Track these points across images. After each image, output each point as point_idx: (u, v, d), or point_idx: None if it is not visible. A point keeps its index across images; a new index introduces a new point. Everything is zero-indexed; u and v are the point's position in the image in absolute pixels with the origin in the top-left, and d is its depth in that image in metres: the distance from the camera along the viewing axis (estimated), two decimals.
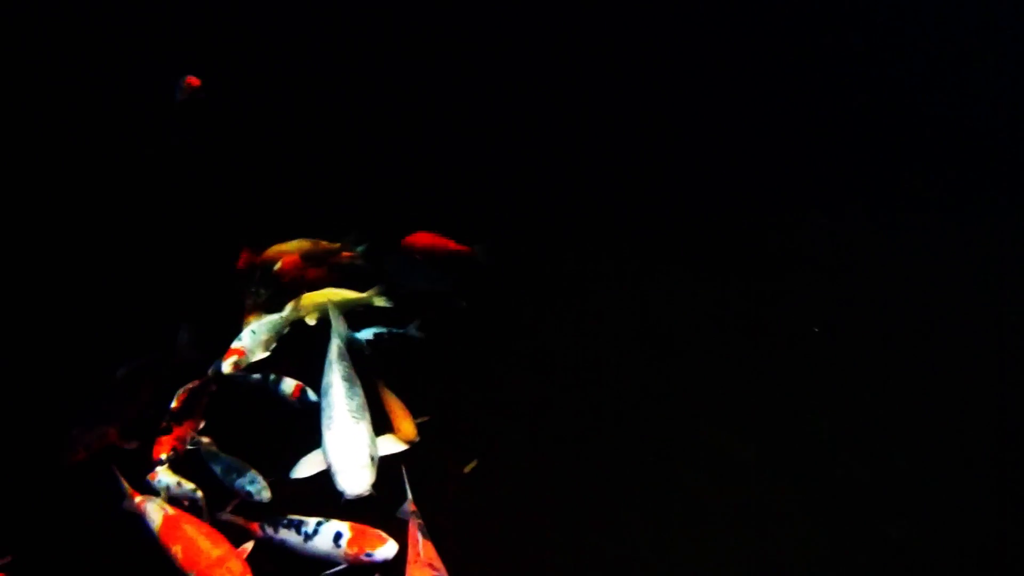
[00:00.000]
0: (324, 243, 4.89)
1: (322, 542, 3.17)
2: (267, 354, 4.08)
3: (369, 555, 3.11)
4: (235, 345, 3.95)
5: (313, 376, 4.05)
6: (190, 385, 4.06)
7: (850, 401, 4.09)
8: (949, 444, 3.83)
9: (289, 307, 4.34)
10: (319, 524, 3.23)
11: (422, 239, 4.89)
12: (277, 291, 4.58)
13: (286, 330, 4.27)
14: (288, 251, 4.78)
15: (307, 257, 4.79)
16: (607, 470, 3.70)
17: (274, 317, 4.25)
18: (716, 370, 4.22)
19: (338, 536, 3.16)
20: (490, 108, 6.01)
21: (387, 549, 3.13)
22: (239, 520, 3.39)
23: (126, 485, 3.49)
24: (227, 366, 3.85)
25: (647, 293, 4.83)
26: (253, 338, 4.04)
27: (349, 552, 3.12)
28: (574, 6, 6.04)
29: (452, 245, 4.88)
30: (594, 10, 6.05)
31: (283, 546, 3.27)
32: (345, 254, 4.88)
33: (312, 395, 4.00)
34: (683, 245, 5.28)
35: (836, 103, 6.52)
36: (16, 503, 3.57)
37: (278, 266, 4.71)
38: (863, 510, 3.50)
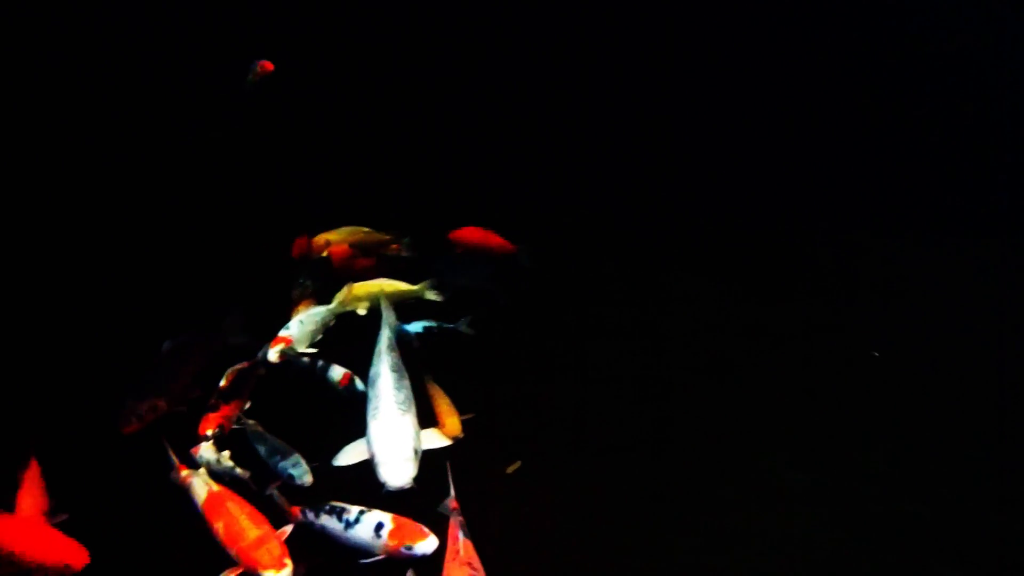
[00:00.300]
0: (374, 233, 4.93)
1: (363, 531, 3.17)
2: (313, 346, 4.12)
3: (409, 548, 3.09)
4: (283, 333, 3.99)
5: (361, 366, 4.09)
6: (239, 366, 4.10)
7: (909, 431, 3.95)
8: (1013, 482, 3.66)
9: (337, 300, 4.36)
10: (361, 513, 3.23)
11: (469, 234, 4.92)
12: (325, 281, 4.62)
13: (332, 323, 4.30)
14: (337, 240, 4.81)
15: (357, 246, 4.84)
16: (651, 484, 3.62)
17: (321, 309, 4.28)
18: (771, 393, 4.11)
19: (379, 527, 3.15)
20: (551, 111, 5.98)
21: (428, 544, 3.11)
22: (281, 500, 3.41)
23: (174, 458, 3.55)
24: (273, 354, 3.90)
25: (703, 312, 4.76)
26: (301, 328, 4.07)
27: (389, 544, 3.11)
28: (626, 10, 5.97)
29: (498, 242, 4.89)
30: (649, 17, 5.97)
31: (322, 532, 3.28)
32: (393, 246, 4.91)
33: (360, 384, 4.02)
34: (741, 267, 5.19)
35: (894, 124, 6.33)
36: (75, 470, 3.65)
37: (325, 253, 4.76)
38: (919, 549, 3.36)
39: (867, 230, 5.49)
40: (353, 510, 3.24)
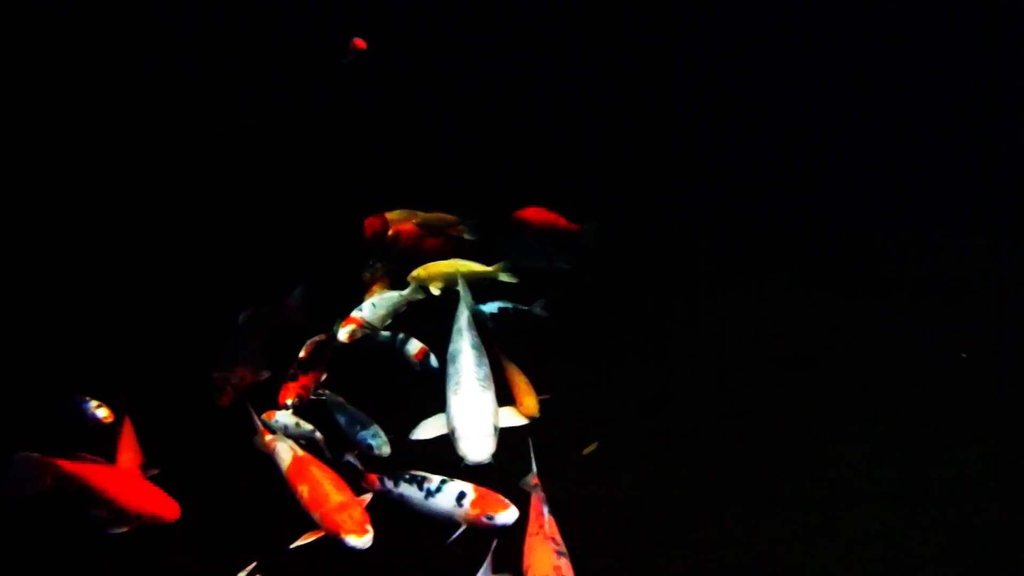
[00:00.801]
0: (442, 214, 4.99)
1: (444, 500, 3.23)
2: (383, 330, 4.20)
3: (490, 518, 3.15)
4: (355, 315, 4.08)
5: (435, 344, 4.17)
6: (318, 337, 4.23)
7: (997, 434, 3.82)
8: None
9: (410, 287, 4.43)
10: (443, 482, 3.29)
11: (533, 213, 4.95)
12: (396, 264, 4.70)
13: (403, 308, 4.36)
14: (398, 220, 4.87)
15: (424, 226, 4.90)
16: (729, 474, 3.58)
17: (394, 294, 4.36)
18: (854, 390, 4.01)
19: (461, 496, 3.22)
20: (641, 101, 5.95)
21: (509, 514, 3.16)
22: (359, 467, 3.51)
23: (259, 424, 3.68)
24: (344, 334, 3.99)
25: (786, 306, 4.67)
26: (373, 311, 4.17)
27: (471, 513, 3.17)
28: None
29: (562, 222, 4.91)
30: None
31: (401, 501, 3.35)
32: (457, 227, 4.97)
33: (434, 361, 4.10)
34: (827, 262, 5.07)
35: (983, 124, 6.09)
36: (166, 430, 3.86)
37: (391, 232, 4.83)
38: (1007, 556, 3.27)
39: (960, 229, 5.30)
40: (435, 479, 3.31)
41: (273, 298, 4.50)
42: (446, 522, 3.23)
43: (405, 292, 4.40)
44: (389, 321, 4.29)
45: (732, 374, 4.12)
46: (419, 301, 4.52)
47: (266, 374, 4.10)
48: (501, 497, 3.22)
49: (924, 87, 5.81)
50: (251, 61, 5.14)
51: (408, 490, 3.33)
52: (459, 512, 3.20)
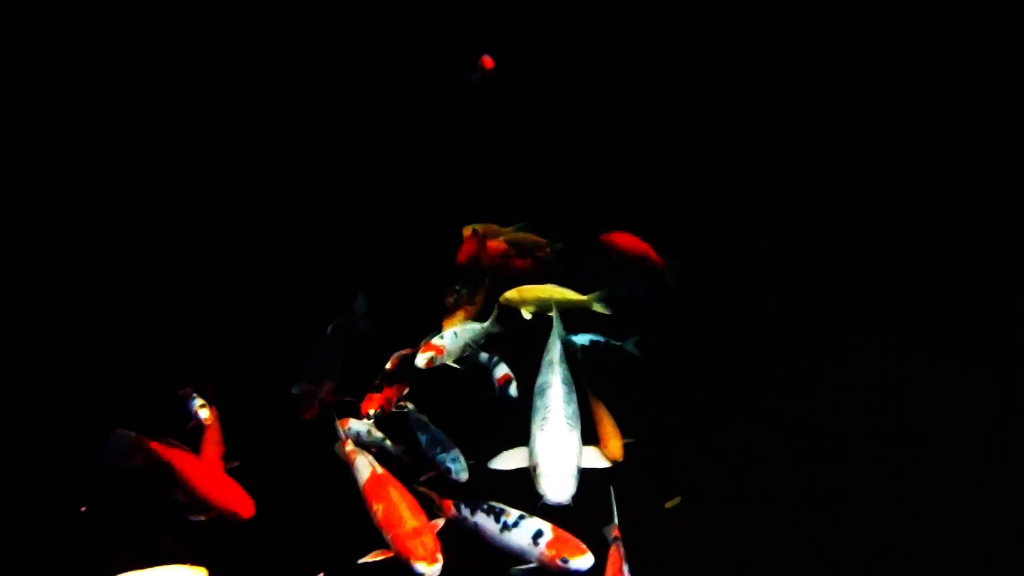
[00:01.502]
0: (532, 235, 4.95)
1: (520, 536, 3.17)
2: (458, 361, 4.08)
3: (565, 561, 3.06)
4: (435, 342, 3.98)
5: (518, 369, 4.14)
6: (404, 351, 4.24)
7: None
8: None
9: (490, 319, 4.36)
10: (521, 518, 3.23)
11: (620, 238, 4.85)
12: (482, 292, 4.64)
13: (483, 341, 4.26)
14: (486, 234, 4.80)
15: (513, 244, 4.84)
16: (814, 543, 3.39)
17: (476, 326, 4.26)
18: (955, 467, 3.74)
19: (539, 534, 3.14)
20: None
21: (584, 561, 3.07)
22: (433, 494, 3.47)
23: (343, 434, 3.70)
24: (422, 360, 3.87)
25: (890, 370, 4.41)
26: (454, 340, 4.05)
27: (546, 553, 3.09)
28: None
29: (649, 252, 4.79)
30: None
31: (475, 530, 3.31)
32: (545, 250, 4.90)
33: (514, 391, 4.03)
34: (952, 327, 4.76)
35: None
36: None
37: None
38: None
39: None
40: (513, 513, 3.25)
41: (345, 316, 4.57)
42: (518, 558, 3.17)
43: (486, 324, 4.32)
44: (468, 353, 4.18)
45: (834, 443, 3.90)
46: (511, 323, 4.49)
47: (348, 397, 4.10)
48: (579, 541, 3.12)
49: None
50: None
51: (484, 520, 3.28)
52: (534, 551, 3.12)
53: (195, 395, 3.97)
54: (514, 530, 3.19)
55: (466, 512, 3.35)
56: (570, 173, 5.72)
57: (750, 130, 5.91)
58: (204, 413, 3.88)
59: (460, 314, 4.50)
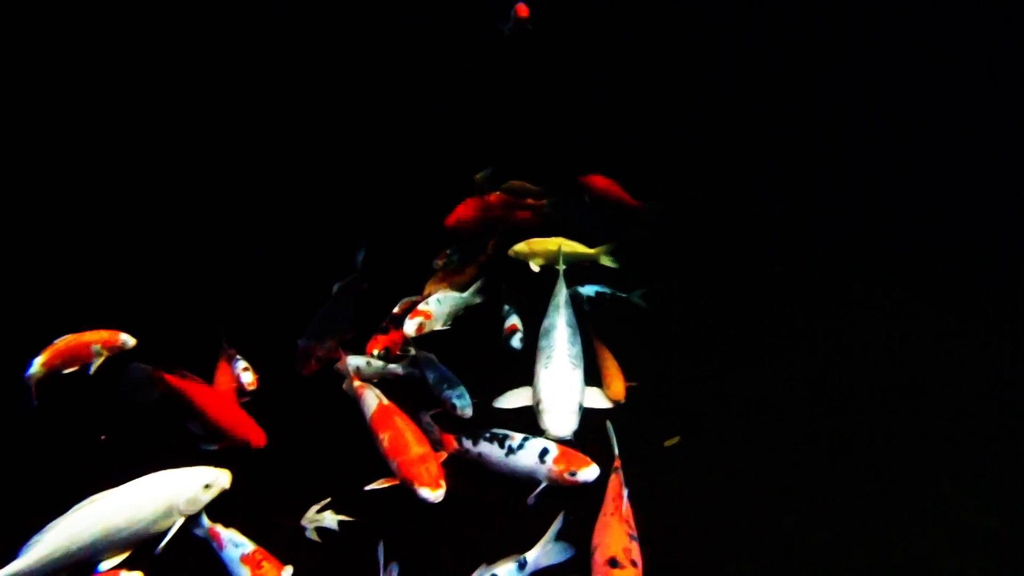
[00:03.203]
0: (525, 183, 5.03)
1: (526, 457, 3.34)
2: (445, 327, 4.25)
3: (573, 474, 3.26)
4: (422, 307, 4.16)
5: (528, 321, 4.27)
6: (413, 298, 4.39)
7: None
8: None
9: (471, 290, 4.51)
10: (525, 439, 3.41)
11: (597, 180, 5.01)
12: (472, 262, 4.74)
13: (462, 313, 4.40)
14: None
15: (509, 192, 4.94)
16: (816, 490, 3.51)
17: (456, 296, 4.41)
18: (967, 426, 3.83)
19: (544, 452, 3.33)
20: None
21: (591, 471, 3.27)
22: (436, 429, 3.62)
23: (349, 371, 3.86)
24: (411, 326, 4.05)
25: (894, 324, 4.51)
26: (439, 307, 4.23)
27: (554, 469, 3.28)
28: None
29: (625, 196, 4.96)
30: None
31: (479, 460, 3.48)
32: (540, 200, 4.99)
33: (517, 343, 4.15)
34: (959, 281, 4.84)
35: None
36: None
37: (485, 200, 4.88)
38: None
39: None
40: (517, 436, 3.43)
41: (352, 273, 4.67)
42: (526, 480, 3.33)
43: (466, 295, 4.47)
44: (450, 323, 4.32)
45: (835, 391, 4.03)
46: (521, 276, 4.62)
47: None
48: (584, 455, 3.32)
49: None
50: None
51: (488, 448, 3.45)
52: (542, 469, 3.30)
53: (239, 357, 4.04)
54: (520, 452, 3.36)
55: (468, 444, 3.51)
56: (549, 120, 5.68)
57: (746, 78, 5.89)
58: (247, 377, 3.93)
59: (441, 279, 4.59)
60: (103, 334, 3.92)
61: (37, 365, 3.79)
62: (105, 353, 3.90)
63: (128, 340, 3.95)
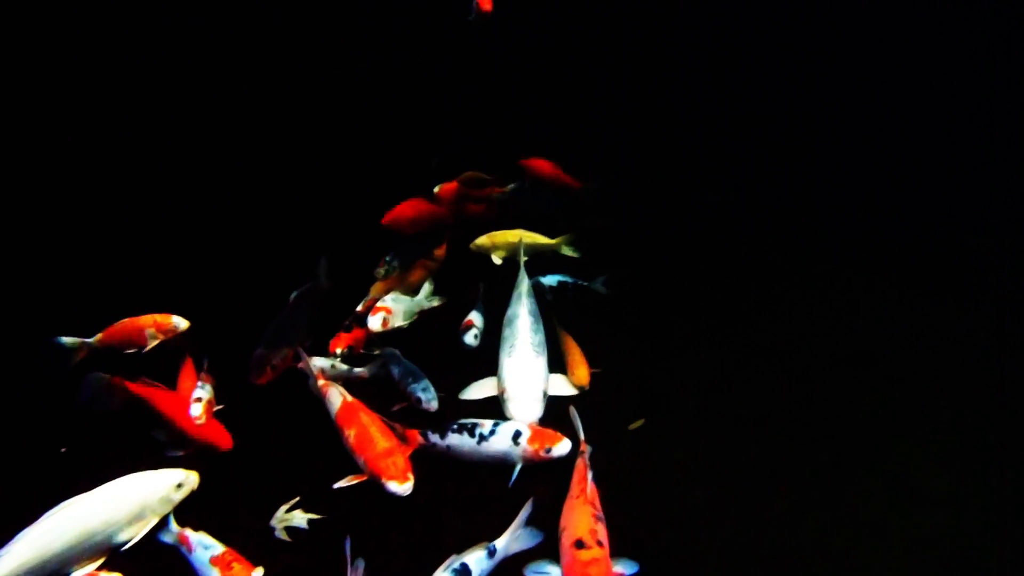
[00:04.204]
0: (479, 173, 5.01)
1: (500, 442, 3.43)
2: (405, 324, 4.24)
3: (548, 451, 3.38)
4: (382, 303, 4.19)
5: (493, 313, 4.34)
6: (374, 296, 4.43)
7: None
8: None
9: (424, 293, 4.56)
10: (496, 424, 3.49)
11: (536, 163, 5.09)
12: (411, 268, 4.67)
13: (416, 317, 4.37)
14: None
15: (465, 182, 4.96)
16: (777, 466, 3.65)
17: (409, 299, 4.40)
18: (917, 392, 3.99)
19: (517, 435, 3.43)
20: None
21: (564, 445, 3.40)
22: (397, 426, 3.64)
23: (313, 370, 3.89)
24: (375, 322, 4.08)
25: (854, 303, 4.66)
26: (397, 304, 4.25)
27: (529, 448, 3.39)
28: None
29: (563, 176, 5.05)
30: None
31: (448, 452, 3.53)
32: (496, 189, 5.05)
33: (471, 340, 4.16)
34: (908, 260, 5.01)
35: None
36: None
37: (438, 190, 4.94)
38: None
39: None
40: (487, 423, 3.51)
41: (312, 281, 4.60)
42: (499, 465, 3.42)
43: (420, 298, 4.50)
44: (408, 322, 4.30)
45: (794, 367, 4.17)
46: (485, 268, 4.68)
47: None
48: (554, 432, 3.44)
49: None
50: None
51: (458, 439, 3.51)
52: (516, 451, 3.39)
53: (204, 383, 3.92)
54: (492, 438, 3.45)
55: (435, 437, 3.56)
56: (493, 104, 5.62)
57: (699, 58, 5.97)
58: (196, 410, 3.74)
59: (383, 286, 4.53)
60: (156, 317, 3.96)
61: (93, 340, 3.92)
62: (160, 336, 3.95)
63: (180, 323, 3.98)
